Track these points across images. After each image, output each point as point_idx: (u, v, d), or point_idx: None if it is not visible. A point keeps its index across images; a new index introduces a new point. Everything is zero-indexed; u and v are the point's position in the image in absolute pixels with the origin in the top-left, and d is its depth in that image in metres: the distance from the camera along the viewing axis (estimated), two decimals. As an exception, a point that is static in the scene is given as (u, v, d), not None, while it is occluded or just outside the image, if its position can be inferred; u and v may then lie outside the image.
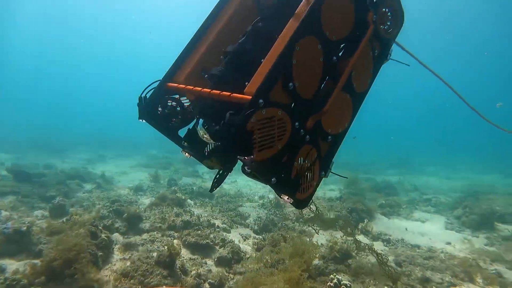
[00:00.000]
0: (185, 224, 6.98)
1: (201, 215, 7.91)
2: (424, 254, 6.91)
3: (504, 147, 29.26)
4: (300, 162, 1.98)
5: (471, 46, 38.26)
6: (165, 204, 8.58)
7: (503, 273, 6.24)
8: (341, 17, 2.10)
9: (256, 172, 1.83)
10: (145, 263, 5.20)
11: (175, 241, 6.38)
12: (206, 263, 5.82)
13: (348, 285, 4.99)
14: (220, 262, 5.88)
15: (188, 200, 9.73)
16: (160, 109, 2.42)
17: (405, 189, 14.02)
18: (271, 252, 5.82)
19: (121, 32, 52.44)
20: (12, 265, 5.02)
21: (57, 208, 7.72)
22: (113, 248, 5.96)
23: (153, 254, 5.53)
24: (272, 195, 10.70)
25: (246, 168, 1.88)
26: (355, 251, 6.53)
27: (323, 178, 2.25)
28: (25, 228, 5.65)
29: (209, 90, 2.01)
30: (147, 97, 2.38)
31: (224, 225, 7.68)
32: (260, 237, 7.32)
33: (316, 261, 5.86)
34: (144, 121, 2.37)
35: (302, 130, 1.96)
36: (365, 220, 8.45)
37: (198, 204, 9.62)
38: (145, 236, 6.63)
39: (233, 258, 6.00)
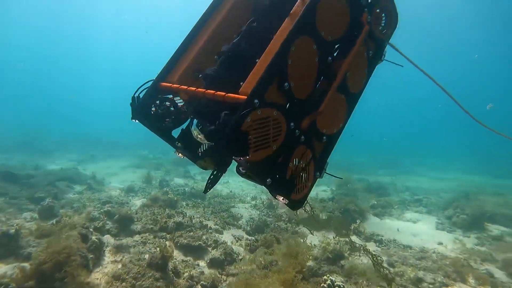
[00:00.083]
0: (177, 226, 6.92)
1: (193, 216, 7.86)
2: (416, 254, 6.97)
3: (493, 149, 29.72)
4: (295, 162, 1.97)
5: (463, 48, 38.85)
6: (157, 205, 8.50)
7: (494, 272, 6.32)
8: (336, 18, 2.10)
9: (251, 173, 1.82)
10: (137, 265, 5.13)
11: (167, 243, 6.31)
12: (198, 265, 5.77)
13: (342, 286, 5.00)
14: (212, 263, 5.84)
15: (180, 201, 9.65)
16: (153, 109, 2.39)
17: (396, 189, 14.13)
18: (265, 253, 5.80)
19: (113, 31, 51.93)
20: (0, 268, 4.91)
21: (46, 210, 7.59)
22: (104, 250, 5.87)
23: (145, 256, 5.46)
24: (264, 196, 10.69)
25: (241, 168, 1.86)
26: (348, 252, 6.56)
27: (318, 179, 2.24)
28: (13, 230, 5.54)
29: (204, 90, 1.99)
30: (140, 97, 2.34)
31: (217, 226, 7.64)
32: (253, 238, 7.30)
33: (309, 262, 5.85)
34: (137, 121, 2.33)
35: (297, 131, 1.95)
36: (358, 221, 8.48)
37: (190, 205, 9.55)
38: (136, 237, 6.55)
39: (226, 260, 5.96)
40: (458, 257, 6.84)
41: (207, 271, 5.62)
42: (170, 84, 2.31)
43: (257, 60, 1.91)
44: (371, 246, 7.34)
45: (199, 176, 14.70)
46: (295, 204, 2.04)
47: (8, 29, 46.12)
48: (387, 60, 2.65)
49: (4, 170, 10.58)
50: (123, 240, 6.32)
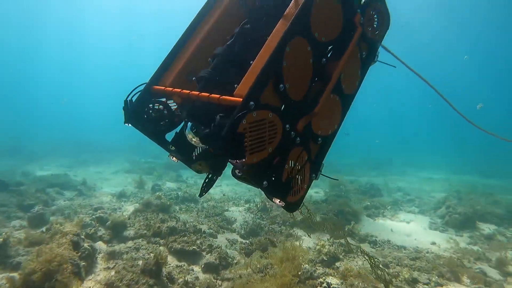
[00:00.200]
0: (170, 231, 6.84)
1: (187, 221, 7.78)
2: (410, 254, 7.00)
3: (482, 148, 30.20)
4: (291, 164, 1.96)
5: (455, 49, 39.49)
6: (149, 211, 8.40)
7: (487, 271, 6.38)
8: (330, 19, 2.11)
9: (248, 176, 1.80)
10: (130, 272, 5.04)
11: (161, 248, 6.23)
12: (193, 270, 5.71)
13: (337, 288, 4.99)
14: (207, 268, 5.77)
15: (173, 205, 9.56)
16: (146, 112, 2.36)
17: (389, 190, 14.22)
18: (261, 257, 5.76)
19: (103, 34, 51.50)
20: (-12, 278, 4.79)
21: (36, 217, 7.44)
22: (97, 257, 5.77)
23: (139, 263, 5.37)
24: (258, 198, 10.65)
25: (236, 171, 1.85)
26: (343, 254, 6.57)
27: (313, 181, 2.24)
28: (1, 239, 5.41)
29: (198, 92, 1.97)
30: (133, 100, 2.31)
31: (211, 230, 7.58)
32: (247, 241, 7.25)
33: (304, 265, 5.83)
34: (130, 125, 2.30)
35: (292, 132, 1.95)
36: (352, 222, 8.50)
37: (183, 209, 9.47)
38: (129, 243, 6.45)
39: (221, 264, 5.91)
40: (452, 256, 6.89)
41: (202, 276, 5.56)
42: (163, 87, 2.28)
43: (251, 62, 1.90)
44: (366, 247, 7.35)
45: (191, 179, 14.61)
46: (292, 206, 2.04)
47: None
48: (380, 61, 2.67)
49: (-8, 177, 10.36)
50: (115, 247, 6.22)
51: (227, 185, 13.24)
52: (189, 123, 2.09)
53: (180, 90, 2.12)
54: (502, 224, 9.51)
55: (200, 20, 2.57)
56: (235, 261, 6.16)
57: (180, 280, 5.22)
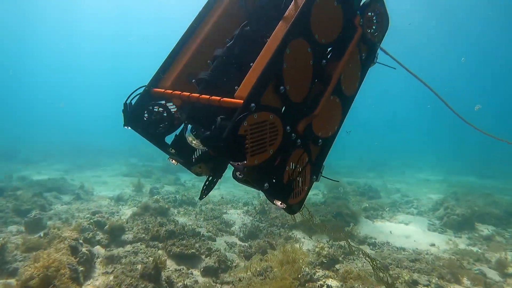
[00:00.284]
0: (169, 234, 6.80)
1: (185, 224, 7.75)
2: (410, 256, 6.99)
3: (480, 150, 30.32)
4: (292, 166, 1.95)
5: (452, 51, 39.74)
6: (148, 214, 8.35)
7: (487, 272, 6.38)
8: (330, 20, 2.11)
9: (249, 178, 1.79)
10: (129, 276, 5.00)
11: (160, 252, 6.19)
12: (192, 274, 5.67)
13: (337, 290, 4.97)
14: (206, 272, 5.74)
15: (172, 208, 9.52)
16: (146, 115, 2.34)
17: (387, 191, 14.24)
18: (260, 260, 5.74)
19: (101, 36, 51.41)
20: (-15, 284, 4.73)
21: (33, 222, 7.36)
22: (95, 262, 5.72)
23: (138, 267, 5.33)
24: (256, 201, 10.62)
25: (237, 174, 1.84)
26: (342, 256, 6.55)
27: (314, 182, 2.23)
28: (-2, 244, 5.36)
29: (198, 94, 1.95)
30: (132, 103, 2.29)
31: (209, 234, 7.54)
32: (247, 244, 7.22)
33: (304, 268, 5.81)
34: (129, 128, 2.28)
35: (293, 134, 1.94)
36: (351, 224, 8.49)
37: (182, 212, 9.43)
38: (128, 247, 6.41)
39: (220, 267, 5.87)
40: (451, 258, 6.89)
41: (201, 280, 5.52)
42: (163, 90, 2.27)
43: (251, 64, 1.89)
44: (365, 249, 7.33)
45: (189, 182, 14.56)
46: (293, 208, 2.03)
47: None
48: (379, 63, 2.67)
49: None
50: (114, 251, 6.18)
51: (225, 188, 13.21)
52: (189, 125, 2.07)
53: (180, 92, 2.11)
54: (500, 225, 9.53)
55: (199, 22, 2.56)
56: (235, 264, 6.13)
57: (180, 284, 5.19)
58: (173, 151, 2.39)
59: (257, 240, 7.22)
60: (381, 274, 5.00)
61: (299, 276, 5.17)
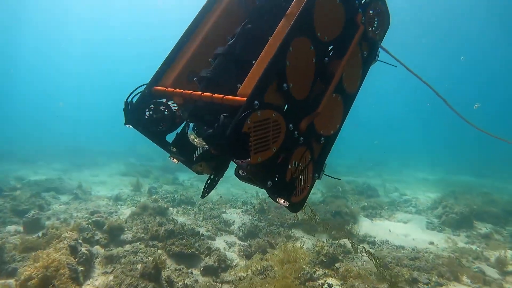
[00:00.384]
0: (168, 234, 6.78)
1: (184, 224, 7.73)
2: (409, 254, 7.00)
3: (478, 149, 30.44)
4: (295, 164, 1.95)
5: (449, 50, 39.80)
6: (147, 214, 8.33)
7: (486, 270, 6.40)
8: (332, 18, 2.10)
9: (252, 176, 1.78)
10: (129, 276, 4.99)
11: (159, 251, 6.18)
12: (192, 273, 5.65)
13: (338, 289, 4.97)
14: (206, 271, 5.73)
15: (170, 208, 9.50)
16: (147, 114, 2.33)
17: (385, 190, 14.27)
18: (261, 259, 5.73)
19: (97, 38, 51.27)
20: (-16, 285, 4.70)
21: (31, 222, 7.33)
22: (94, 261, 5.70)
23: (137, 266, 5.32)
24: (255, 200, 10.62)
25: (241, 172, 1.83)
26: (342, 255, 6.55)
27: (316, 180, 2.22)
28: (-3, 245, 5.33)
29: (200, 92, 1.94)
30: (133, 101, 2.28)
31: (209, 233, 7.54)
32: (246, 243, 7.22)
33: (304, 266, 5.81)
34: (130, 126, 2.27)
35: (296, 132, 1.94)
36: (350, 223, 8.50)
37: (181, 212, 9.41)
38: (127, 247, 6.39)
39: (220, 267, 5.86)
40: (451, 256, 6.91)
41: (201, 279, 5.51)
42: (164, 88, 2.26)
43: (253, 62, 1.88)
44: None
45: (188, 182, 14.54)
46: (296, 206, 2.02)
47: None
48: (380, 61, 2.67)
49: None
50: (113, 251, 6.15)
51: (224, 187, 13.19)
52: (191, 123, 2.06)
53: (181, 90, 2.10)
54: (499, 223, 9.58)
55: (200, 20, 2.54)
56: (234, 264, 6.13)
57: (180, 283, 5.18)
58: (174, 149, 2.38)
59: (257, 239, 7.22)
60: (384, 273, 5.00)
61: (300, 275, 5.17)
